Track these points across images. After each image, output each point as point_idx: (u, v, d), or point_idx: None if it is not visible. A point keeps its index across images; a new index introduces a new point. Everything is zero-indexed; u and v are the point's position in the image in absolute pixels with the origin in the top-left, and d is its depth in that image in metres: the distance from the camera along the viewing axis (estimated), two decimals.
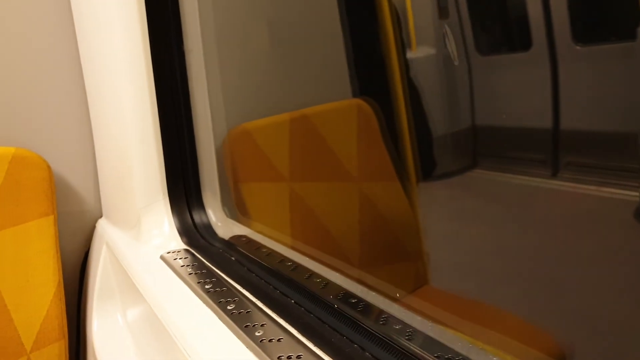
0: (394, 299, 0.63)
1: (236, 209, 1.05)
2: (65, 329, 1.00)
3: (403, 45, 1.30)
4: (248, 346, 0.58)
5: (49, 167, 0.99)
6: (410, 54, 1.32)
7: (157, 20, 0.92)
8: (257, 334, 0.59)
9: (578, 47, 0.92)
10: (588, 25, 0.91)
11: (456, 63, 1.07)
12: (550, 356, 0.74)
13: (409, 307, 0.63)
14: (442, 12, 1.18)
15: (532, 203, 0.97)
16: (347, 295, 0.65)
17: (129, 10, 0.89)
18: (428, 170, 1.35)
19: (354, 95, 1.34)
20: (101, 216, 1.12)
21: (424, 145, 1.33)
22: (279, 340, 0.57)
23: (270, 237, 0.93)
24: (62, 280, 0.99)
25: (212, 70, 1.01)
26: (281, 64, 1.23)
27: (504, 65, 1.09)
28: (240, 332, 0.60)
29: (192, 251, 0.88)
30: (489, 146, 1.13)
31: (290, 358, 0.54)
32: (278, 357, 0.54)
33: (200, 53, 0.98)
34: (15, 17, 0.99)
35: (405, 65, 1.31)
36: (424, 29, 1.24)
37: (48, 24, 1.02)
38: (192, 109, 0.97)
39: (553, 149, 0.99)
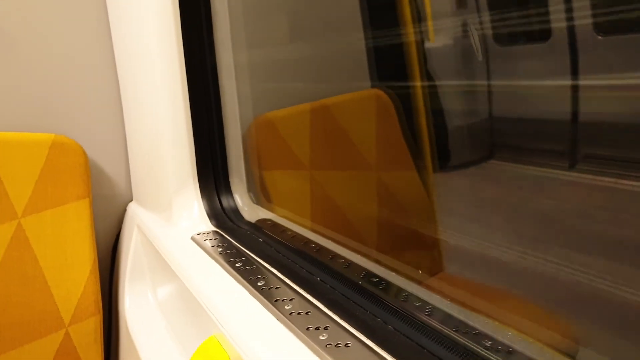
0: (414, 280, 0.68)
1: (260, 194, 1.10)
2: (100, 305, 1.06)
3: (422, 36, 1.33)
4: (279, 318, 0.62)
5: (84, 152, 1.04)
6: (427, 44, 1.34)
7: (190, 11, 0.96)
8: (286, 307, 0.64)
9: (600, 37, 0.93)
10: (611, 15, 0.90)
11: (479, 57, 1.09)
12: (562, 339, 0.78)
13: (428, 287, 0.67)
14: (460, 1, 1.19)
15: (545, 194, 0.99)
16: (369, 275, 0.70)
17: (162, 1, 0.94)
18: (444, 160, 1.38)
19: (373, 86, 1.37)
20: (131, 200, 1.18)
21: (441, 135, 1.36)
22: (307, 313, 0.62)
23: (293, 222, 0.97)
24: (96, 259, 1.06)
25: (240, 61, 1.05)
26: (303, 55, 1.26)
27: (523, 55, 1.11)
28: (271, 306, 0.65)
29: (221, 232, 0.92)
30: (505, 137, 1.15)
31: (319, 329, 0.58)
32: (307, 328, 0.59)
33: (229, 45, 1.02)
34: (51, 11, 1.04)
35: (423, 55, 1.34)
36: (442, 19, 1.27)
37: (82, 15, 1.07)
38: (222, 98, 1.01)
39: (571, 140, 1.00)
